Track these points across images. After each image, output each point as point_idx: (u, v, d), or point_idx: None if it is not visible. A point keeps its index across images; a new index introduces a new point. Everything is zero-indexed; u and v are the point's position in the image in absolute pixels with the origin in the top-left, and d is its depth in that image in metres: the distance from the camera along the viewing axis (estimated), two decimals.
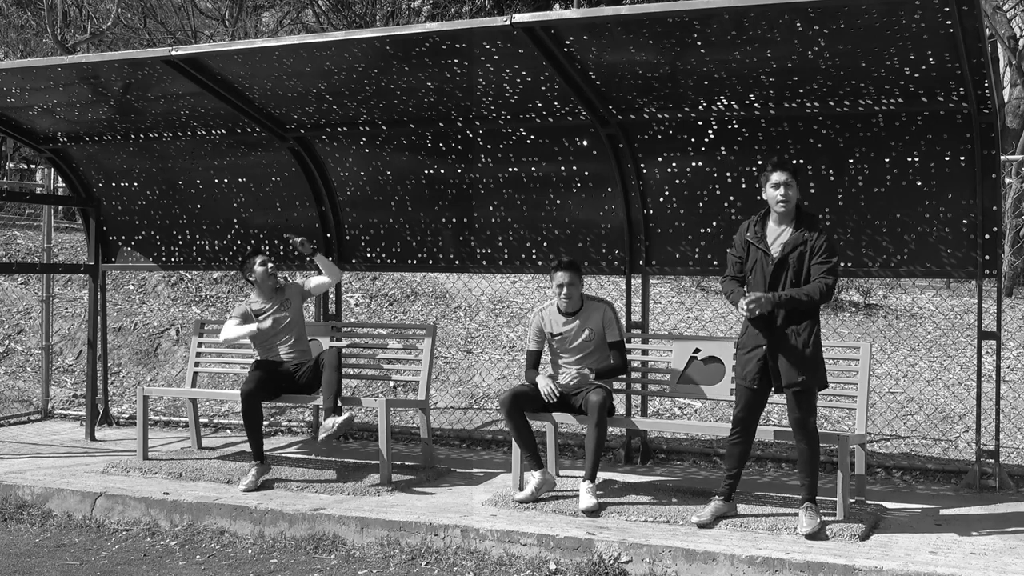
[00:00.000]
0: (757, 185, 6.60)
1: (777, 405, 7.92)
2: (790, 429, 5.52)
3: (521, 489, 6.04)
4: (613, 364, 6.19)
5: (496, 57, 6.07)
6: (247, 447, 7.81)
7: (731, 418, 5.58)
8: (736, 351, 5.53)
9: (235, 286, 12.31)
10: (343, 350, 7.22)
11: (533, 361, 6.36)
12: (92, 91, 7.22)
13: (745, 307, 5.20)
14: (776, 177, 5.32)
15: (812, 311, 5.33)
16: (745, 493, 6.11)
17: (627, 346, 6.51)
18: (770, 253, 5.32)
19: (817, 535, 5.21)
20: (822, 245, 5.26)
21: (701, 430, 6.46)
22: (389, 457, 6.45)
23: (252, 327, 6.82)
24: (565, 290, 6.14)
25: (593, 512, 5.66)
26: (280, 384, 6.81)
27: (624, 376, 6.54)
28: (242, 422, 6.69)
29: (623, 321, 6.50)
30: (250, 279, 7.10)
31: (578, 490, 5.98)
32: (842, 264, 6.53)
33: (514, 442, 6.07)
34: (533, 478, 5.99)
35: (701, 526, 5.40)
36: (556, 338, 6.22)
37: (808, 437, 5.37)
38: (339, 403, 6.50)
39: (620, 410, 6.92)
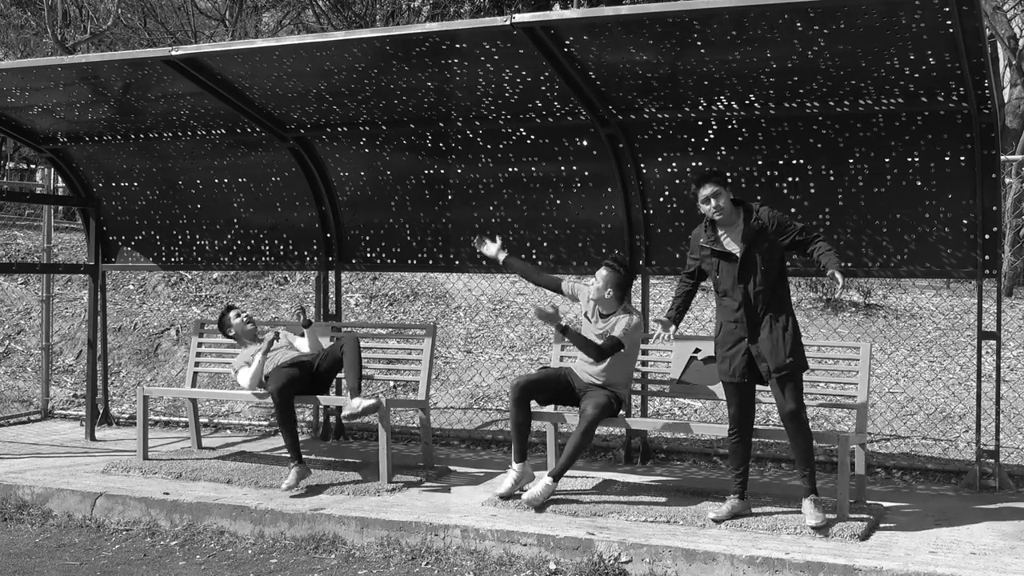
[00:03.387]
0: (757, 185, 6.61)
1: (775, 405, 7.91)
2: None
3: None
4: (597, 345, 6.00)
5: (496, 57, 6.07)
6: (247, 447, 7.82)
7: (727, 418, 5.61)
8: (716, 349, 5.57)
9: (235, 286, 12.31)
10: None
11: (558, 281, 6.34)
12: (92, 91, 7.22)
13: (664, 329, 5.50)
14: (703, 192, 5.45)
15: (787, 305, 5.43)
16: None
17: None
18: (732, 253, 5.40)
19: (824, 527, 5.25)
20: (779, 223, 5.36)
21: (701, 430, 6.45)
22: (389, 457, 6.45)
23: (258, 358, 6.88)
24: (599, 282, 6.10)
25: (536, 505, 5.71)
26: (304, 379, 6.80)
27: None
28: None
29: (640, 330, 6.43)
30: (229, 335, 7.32)
31: (581, 490, 5.99)
32: (842, 264, 6.53)
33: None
34: (513, 471, 6.00)
35: (718, 522, 5.42)
36: (587, 322, 6.15)
37: (801, 429, 5.41)
38: (361, 384, 6.61)
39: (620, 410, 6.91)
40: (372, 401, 6.37)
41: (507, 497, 5.91)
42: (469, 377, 9.82)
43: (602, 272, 6.11)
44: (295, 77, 6.68)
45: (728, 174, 6.70)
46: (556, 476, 5.83)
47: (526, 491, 5.79)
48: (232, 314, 7.31)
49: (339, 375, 7.07)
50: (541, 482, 5.81)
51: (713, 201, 5.40)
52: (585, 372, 6.14)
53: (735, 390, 5.49)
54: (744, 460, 5.57)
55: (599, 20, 5.57)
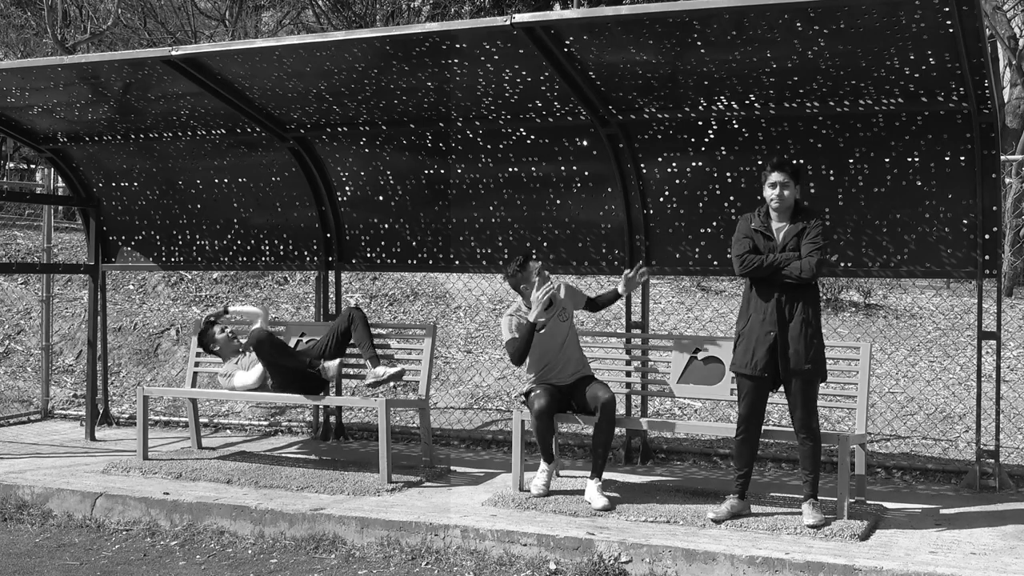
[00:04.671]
0: (757, 185, 6.61)
1: (777, 405, 7.92)
2: (789, 429, 5.52)
3: (522, 487, 6.09)
4: (604, 296, 6.44)
5: (496, 57, 6.07)
6: (247, 447, 7.83)
7: (736, 416, 5.57)
8: (737, 339, 5.51)
9: (235, 286, 12.31)
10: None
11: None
12: (92, 91, 7.22)
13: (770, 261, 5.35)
14: (773, 177, 5.40)
15: (816, 314, 5.38)
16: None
17: (624, 343, 6.51)
18: (774, 240, 5.38)
19: (821, 526, 5.27)
20: (813, 229, 5.36)
21: (701, 430, 6.46)
22: (389, 457, 6.45)
23: (256, 372, 7.07)
24: (539, 274, 6.20)
25: (608, 509, 5.72)
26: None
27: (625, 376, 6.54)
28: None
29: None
30: (214, 349, 7.38)
31: (581, 490, 5.99)
32: (842, 264, 6.54)
33: (515, 441, 6.10)
34: (544, 469, 6.11)
35: (717, 522, 5.42)
36: (538, 330, 6.20)
37: (812, 436, 5.39)
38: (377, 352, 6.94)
39: (620, 410, 6.92)
40: (396, 369, 6.78)
41: (546, 495, 6.00)
42: (469, 377, 9.82)
43: (536, 267, 6.19)
44: (295, 77, 6.68)
45: (728, 174, 6.71)
46: (599, 475, 5.90)
47: (589, 502, 5.80)
48: (217, 329, 7.35)
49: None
50: (593, 489, 5.83)
51: (779, 189, 5.37)
52: (564, 372, 6.18)
53: (752, 385, 5.42)
54: (749, 461, 5.52)
55: (599, 20, 5.57)
